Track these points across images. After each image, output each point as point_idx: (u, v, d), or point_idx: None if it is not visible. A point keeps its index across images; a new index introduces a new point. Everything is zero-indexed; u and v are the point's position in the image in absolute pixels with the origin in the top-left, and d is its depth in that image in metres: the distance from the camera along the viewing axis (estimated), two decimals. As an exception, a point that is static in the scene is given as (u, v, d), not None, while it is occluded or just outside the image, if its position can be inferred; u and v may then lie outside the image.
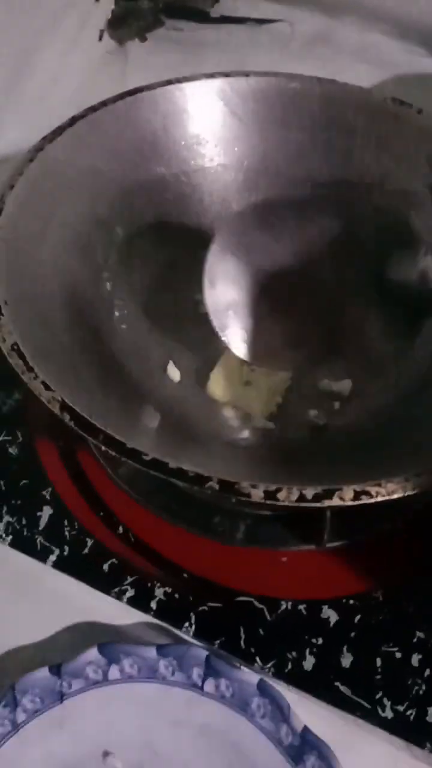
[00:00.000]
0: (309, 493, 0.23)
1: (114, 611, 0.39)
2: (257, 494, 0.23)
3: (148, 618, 0.39)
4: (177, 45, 0.81)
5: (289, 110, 0.40)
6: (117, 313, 0.35)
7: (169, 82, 0.39)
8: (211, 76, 0.40)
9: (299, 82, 0.40)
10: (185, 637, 0.34)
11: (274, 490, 0.24)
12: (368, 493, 0.24)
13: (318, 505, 0.23)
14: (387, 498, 0.23)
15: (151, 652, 0.37)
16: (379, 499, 0.23)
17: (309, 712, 0.34)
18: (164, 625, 0.38)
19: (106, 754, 0.36)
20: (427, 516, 0.36)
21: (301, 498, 0.23)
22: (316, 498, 0.23)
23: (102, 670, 0.37)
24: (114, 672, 0.37)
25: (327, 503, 0.23)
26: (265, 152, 0.41)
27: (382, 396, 0.33)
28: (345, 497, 0.23)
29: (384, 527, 0.35)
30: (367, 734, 0.35)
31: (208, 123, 0.40)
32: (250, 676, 0.35)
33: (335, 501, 0.23)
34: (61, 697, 0.36)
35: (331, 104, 0.40)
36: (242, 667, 0.35)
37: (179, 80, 0.39)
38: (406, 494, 0.23)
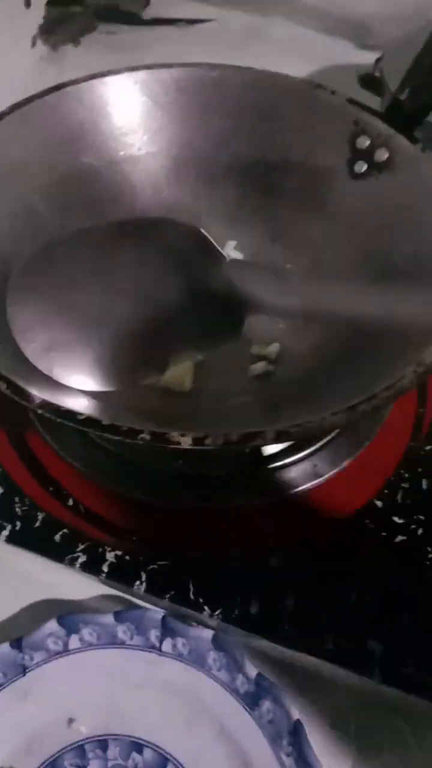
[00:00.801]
0: (234, 436, 0.25)
1: (72, 586, 0.41)
2: (186, 441, 0.25)
3: (105, 590, 0.41)
4: (110, 48, 0.83)
5: (211, 98, 0.42)
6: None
7: (93, 77, 0.41)
8: (134, 69, 0.41)
9: (219, 71, 0.42)
10: (137, 601, 0.36)
11: (202, 436, 0.25)
12: (287, 433, 0.26)
13: (243, 446, 0.25)
14: (304, 436, 0.25)
15: (109, 619, 0.38)
16: (298, 437, 0.25)
17: (263, 662, 0.36)
18: (121, 595, 0.40)
19: (71, 720, 0.37)
20: (359, 468, 0.39)
21: (227, 441, 0.25)
22: (241, 440, 0.25)
23: (62, 640, 0.38)
24: (74, 641, 0.38)
25: (251, 444, 0.25)
26: (190, 139, 0.43)
27: (307, 356, 0.36)
28: (267, 437, 0.25)
29: (312, 485, 0.37)
30: (320, 680, 0.37)
31: (133, 114, 0.42)
32: (204, 632, 0.37)
33: (258, 442, 0.25)
34: (24, 670, 0.37)
35: (251, 90, 0.42)
36: (197, 624, 0.36)
37: (103, 74, 0.41)
38: (321, 430, 0.25)
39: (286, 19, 0.85)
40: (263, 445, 0.26)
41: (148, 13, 0.87)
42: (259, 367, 0.37)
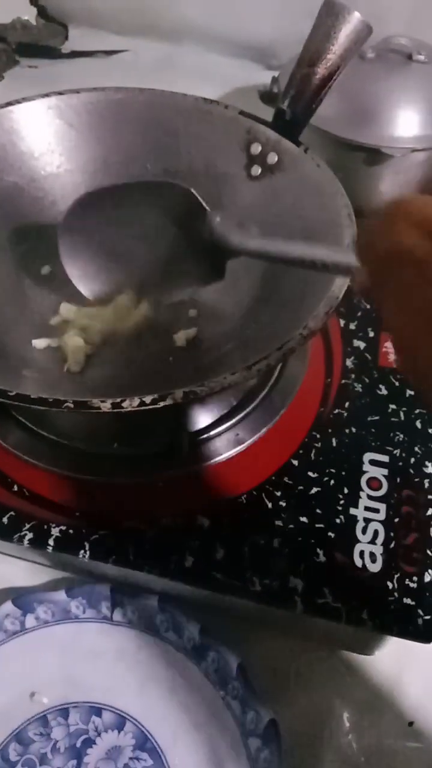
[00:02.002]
0: (147, 398, 0.29)
1: (25, 575, 0.44)
2: (106, 406, 0.29)
3: (54, 574, 0.44)
4: (33, 80, 0.87)
5: (118, 118, 0.47)
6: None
7: (9, 104, 0.45)
8: (46, 95, 0.46)
9: (123, 93, 0.47)
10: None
11: (120, 401, 0.29)
12: (194, 392, 0.30)
13: (155, 406, 0.29)
14: (209, 393, 0.30)
15: (62, 596, 0.41)
16: (203, 395, 0.30)
17: (205, 619, 0.39)
18: (69, 575, 0.43)
19: (32, 694, 0.39)
20: (277, 433, 0.43)
21: (141, 403, 0.29)
22: (154, 401, 0.29)
23: (19, 620, 0.41)
24: (30, 620, 0.41)
25: (162, 404, 0.29)
26: (105, 155, 0.47)
27: (219, 333, 0.41)
28: (176, 397, 0.29)
29: (235, 452, 0.42)
30: (258, 630, 0.41)
31: (49, 136, 0.46)
32: (150, 598, 0.40)
33: (168, 401, 0.29)
34: (-16, 651, 0.39)
35: (154, 109, 0.47)
36: (143, 593, 0.40)
37: (18, 101, 0.45)
38: (222, 388, 0.30)
39: (197, 46, 0.91)
40: (174, 404, 0.29)
41: (67, 47, 0.92)
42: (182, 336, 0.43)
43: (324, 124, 0.56)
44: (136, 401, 0.29)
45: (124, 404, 0.29)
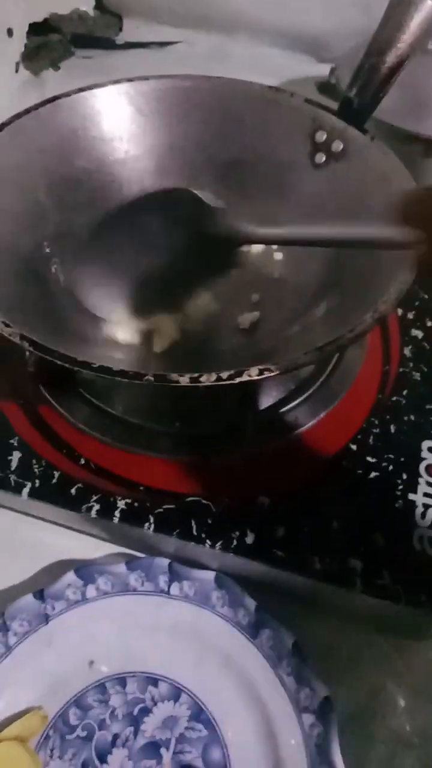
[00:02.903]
0: (224, 374, 0.30)
1: (84, 548, 0.45)
2: (185, 380, 0.30)
3: (114, 548, 0.45)
4: (88, 71, 0.89)
5: (186, 105, 0.48)
6: (54, 269, 0.42)
7: (82, 90, 0.46)
8: (118, 81, 0.47)
9: (191, 80, 0.48)
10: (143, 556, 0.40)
11: (197, 375, 0.30)
12: (269, 369, 0.30)
13: (231, 381, 0.30)
14: (283, 371, 0.30)
15: (122, 568, 0.42)
16: (277, 373, 0.30)
17: (261, 598, 0.40)
18: (128, 551, 0.44)
19: (91, 662, 0.40)
20: (335, 418, 0.44)
21: (218, 379, 0.30)
22: (230, 377, 0.30)
23: (80, 590, 0.42)
24: (91, 591, 0.42)
25: (238, 380, 0.30)
26: (170, 142, 0.48)
27: (283, 318, 0.42)
28: (252, 374, 0.30)
29: (294, 435, 0.43)
30: (312, 611, 0.42)
31: (118, 121, 0.47)
32: (207, 574, 0.41)
33: (245, 377, 0.30)
34: (47, 618, 0.41)
35: (220, 96, 0.47)
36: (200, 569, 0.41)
37: (90, 87, 0.46)
38: (296, 367, 0.30)
39: (249, 39, 0.92)
40: (249, 381, 0.30)
41: (122, 38, 0.93)
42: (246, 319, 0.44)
43: (381, 114, 0.56)
44: (213, 376, 0.30)
45: (202, 379, 0.30)
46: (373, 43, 0.42)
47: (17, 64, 0.84)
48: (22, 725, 0.38)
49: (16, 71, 0.84)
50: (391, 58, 0.41)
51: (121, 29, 0.93)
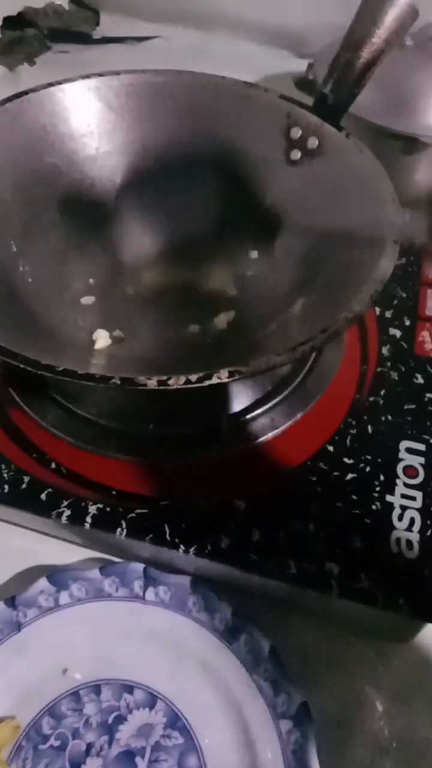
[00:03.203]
0: (193, 377, 0.29)
1: (58, 553, 0.44)
2: (152, 383, 0.29)
3: (88, 553, 0.44)
4: (64, 66, 0.88)
5: (157, 100, 0.47)
6: (22, 269, 0.41)
7: (51, 85, 0.45)
8: (87, 76, 0.46)
9: (163, 75, 0.47)
10: (118, 560, 0.39)
11: (165, 378, 0.29)
12: (240, 371, 0.30)
13: (201, 384, 0.29)
14: (254, 373, 0.30)
15: (95, 574, 0.41)
16: (248, 374, 0.30)
17: (238, 602, 0.39)
18: (103, 556, 0.44)
19: (65, 670, 0.39)
20: (312, 419, 0.43)
21: (187, 381, 0.29)
22: (199, 380, 0.29)
23: (53, 597, 0.41)
24: (64, 597, 0.41)
25: (207, 382, 0.29)
26: (142, 138, 0.47)
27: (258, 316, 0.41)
28: (222, 376, 0.30)
29: (270, 437, 0.42)
30: (289, 614, 0.41)
31: (89, 117, 0.46)
32: (183, 579, 0.40)
33: (214, 380, 0.29)
34: (19, 626, 0.40)
35: (192, 92, 0.47)
36: (176, 573, 0.40)
37: (59, 82, 0.45)
38: (267, 368, 0.30)
39: (227, 34, 0.91)
40: (219, 383, 0.29)
41: (98, 33, 0.92)
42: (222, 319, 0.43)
43: (360, 111, 0.55)
44: (182, 379, 0.29)
45: (170, 381, 0.29)
46: (347, 38, 0.41)
47: (-8, 59, 0.82)
48: (-6, 736, 0.37)
49: (-9, 66, 0.82)
50: (366, 54, 0.41)
51: (98, 24, 0.91)
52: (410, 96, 0.58)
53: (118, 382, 0.29)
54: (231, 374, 0.30)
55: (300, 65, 0.80)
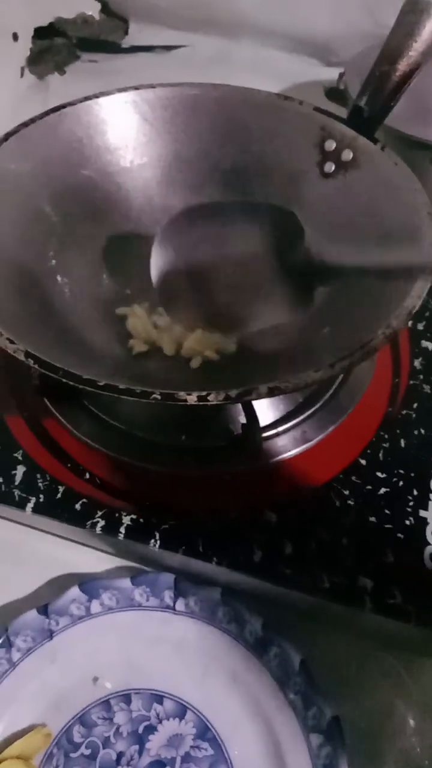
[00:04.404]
0: (233, 393, 0.30)
1: (89, 562, 0.45)
2: (192, 399, 0.29)
3: (120, 562, 0.44)
4: (93, 75, 0.89)
5: (191, 113, 0.47)
6: (59, 282, 0.41)
7: (88, 98, 0.45)
8: (123, 90, 0.46)
9: (198, 88, 0.47)
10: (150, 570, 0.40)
11: (206, 394, 0.30)
12: (279, 388, 0.30)
13: (241, 400, 0.29)
14: (293, 389, 0.30)
15: (126, 583, 0.42)
16: (287, 390, 0.30)
17: (267, 614, 0.39)
18: (134, 565, 0.44)
19: (95, 679, 0.40)
20: (344, 432, 0.43)
21: (227, 398, 0.29)
22: (239, 396, 0.30)
23: (84, 605, 0.42)
24: (95, 606, 0.42)
25: (248, 398, 0.30)
26: (176, 150, 0.48)
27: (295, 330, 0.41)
28: (261, 393, 0.30)
29: (302, 449, 0.42)
30: (319, 627, 0.41)
31: (124, 130, 0.47)
32: (213, 591, 0.41)
33: (254, 396, 0.30)
34: (51, 634, 0.40)
35: (227, 105, 0.47)
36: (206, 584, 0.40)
37: (96, 96, 0.46)
38: (306, 385, 0.30)
39: (255, 42, 0.91)
40: (258, 399, 0.30)
41: (127, 42, 0.93)
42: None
43: (391, 121, 0.55)
44: (222, 395, 0.29)
45: (210, 398, 0.29)
46: (384, 51, 0.41)
47: (22, 68, 0.83)
48: (26, 743, 0.37)
49: (21, 75, 0.83)
50: (402, 66, 0.41)
51: (126, 33, 0.92)
52: (441, 106, 0.58)
53: (159, 397, 0.29)
54: (270, 390, 0.30)
55: (327, 73, 0.80)
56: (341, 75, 0.63)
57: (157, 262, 0.41)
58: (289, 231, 0.39)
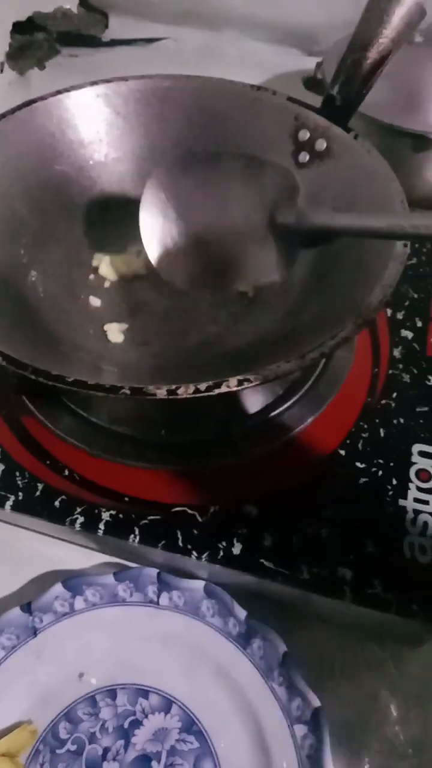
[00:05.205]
0: (202, 386, 0.29)
1: (73, 558, 0.44)
2: (161, 393, 0.29)
3: (103, 558, 0.44)
4: (74, 69, 0.88)
5: (165, 105, 0.47)
6: (32, 279, 0.41)
7: (59, 92, 0.45)
8: (95, 83, 0.46)
9: (171, 80, 0.47)
10: (133, 565, 0.40)
11: (174, 388, 0.29)
12: (248, 380, 0.30)
13: (210, 393, 0.29)
14: (263, 381, 0.30)
15: (109, 579, 0.42)
16: (257, 382, 0.30)
17: (251, 607, 0.39)
18: (117, 561, 0.44)
19: (81, 675, 0.40)
20: (323, 423, 0.43)
21: (196, 391, 0.29)
22: (208, 389, 0.29)
23: (68, 602, 0.41)
24: (79, 602, 0.42)
25: (216, 391, 0.29)
26: (151, 143, 0.47)
27: (268, 320, 0.41)
28: (231, 385, 0.29)
29: (282, 441, 0.42)
30: (303, 618, 0.41)
31: (97, 123, 0.46)
32: (197, 584, 0.41)
33: (223, 389, 0.29)
34: (35, 631, 0.40)
35: (201, 96, 0.46)
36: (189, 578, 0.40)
37: (67, 89, 0.45)
38: (276, 376, 0.30)
39: (237, 33, 0.90)
40: (228, 392, 0.29)
41: (107, 36, 0.92)
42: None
43: (369, 110, 0.55)
44: (191, 388, 0.29)
45: (179, 391, 0.29)
46: (355, 38, 0.41)
47: (2, 64, 0.83)
48: (11, 740, 0.37)
49: (1, 71, 0.83)
50: (373, 54, 0.40)
51: (107, 26, 0.91)
52: (420, 93, 0.58)
53: (128, 392, 0.29)
54: (240, 382, 0.30)
55: (310, 63, 0.79)
56: (319, 64, 0.62)
57: (149, 208, 0.41)
58: (283, 187, 0.39)
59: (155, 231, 0.41)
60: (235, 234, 0.40)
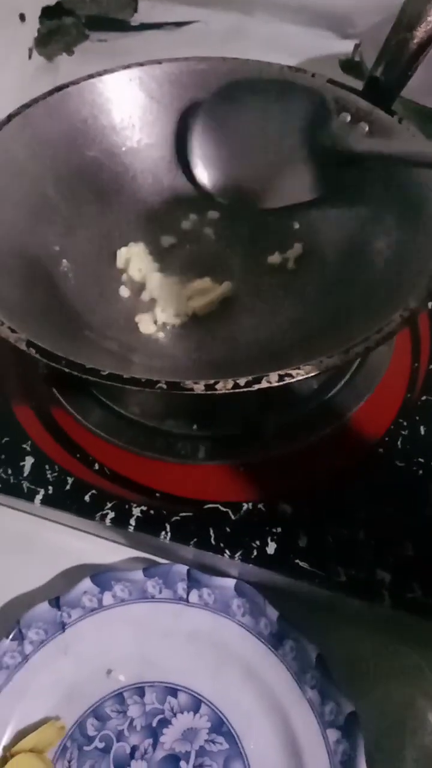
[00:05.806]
0: (242, 381, 0.28)
1: (102, 552, 0.44)
2: (199, 388, 0.28)
3: (132, 553, 0.44)
4: (103, 54, 0.86)
5: (200, 88, 0.45)
6: (64, 269, 0.40)
7: (91, 76, 0.44)
8: (128, 66, 0.45)
9: (206, 62, 0.45)
10: (163, 561, 0.39)
11: (213, 383, 0.28)
12: (290, 375, 0.28)
13: (249, 389, 0.28)
14: (305, 376, 0.28)
15: (139, 575, 0.41)
16: (299, 378, 0.28)
17: (283, 606, 0.38)
18: (147, 556, 0.43)
19: (109, 671, 0.39)
20: (361, 420, 0.41)
21: (236, 386, 0.28)
22: (248, 384, 0.28)
23: (96, 597, 0.41)
24: (108, 598, 0.41)
25: (256, 386, 0.28)
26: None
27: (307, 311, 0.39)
28: (271, 380, 0.28)
29: (317, 437, 0.40)
30: (336, 620, 0.40)
31: (130, 108, 0.45)
32: (227, 581, 0.40)
33: (263, 384, 0.28)
34: (63, 626, 0.40)
35: (236, 78, 0.45)
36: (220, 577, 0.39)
37: (100, 73, 0.44)
38: (318, 372, 0.28)
39: (269, 16, 0.88)
40: (268, 387, 0.28)
41: (137, 19, 0.90)
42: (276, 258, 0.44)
43: (407, 92, 0.53)
44: (230, 383, 0.28)
45: (218, 386, 0.28)
46: (400, 17, 0.39)
47: (30, 50, 0.81)
48: (39, 736, 0.37)
49: (30, 57, 0.82)
50: (420, 33, 0.38)
51: (136, 10, 0.90)
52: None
53: (165, 386, 0.28)
54: (281, 378, 0.28)
55: (344, 46, 0.77)
56: (357, 46, 0.60)
57: (200, 129, 0.44)
58: (318, 112, 0.40)
59: (205, 153, 0.44)
60: (274, 154, 0.43)
